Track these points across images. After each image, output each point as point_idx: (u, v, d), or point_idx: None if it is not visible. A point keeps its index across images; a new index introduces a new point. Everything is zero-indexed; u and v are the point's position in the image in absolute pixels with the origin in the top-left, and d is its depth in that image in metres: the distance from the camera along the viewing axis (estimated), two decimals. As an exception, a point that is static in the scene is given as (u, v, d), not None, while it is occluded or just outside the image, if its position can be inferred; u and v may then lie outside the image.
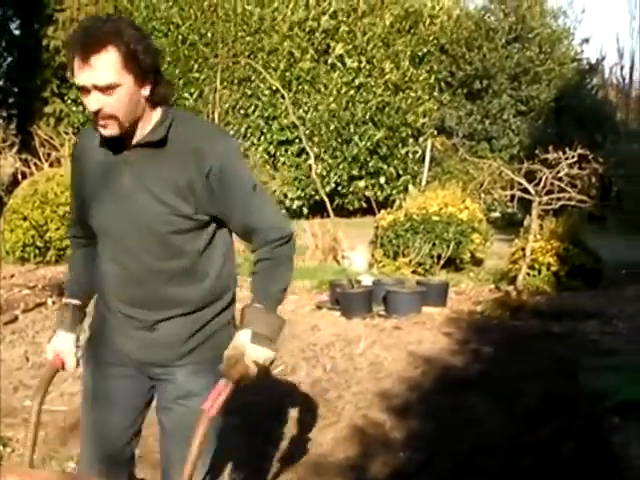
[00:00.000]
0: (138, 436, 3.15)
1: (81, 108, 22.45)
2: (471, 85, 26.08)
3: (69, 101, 24.08)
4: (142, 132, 2.73)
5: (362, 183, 24.64)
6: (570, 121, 25.20)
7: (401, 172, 24.94)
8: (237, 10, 24.59)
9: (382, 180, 24.86)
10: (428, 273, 13.14)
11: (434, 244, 13.37)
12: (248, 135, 23.25)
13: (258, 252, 2.88)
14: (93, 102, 2.58)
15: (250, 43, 24.31)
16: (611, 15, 59.57)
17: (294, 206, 23.11)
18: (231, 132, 17.63)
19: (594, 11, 56.96)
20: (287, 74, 24.13)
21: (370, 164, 24.62)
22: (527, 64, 25.99)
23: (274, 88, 21.53)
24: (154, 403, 3.08)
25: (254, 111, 23.95)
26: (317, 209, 19.98)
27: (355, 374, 7.51)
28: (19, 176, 15.67)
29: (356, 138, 24.31)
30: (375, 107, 24.53)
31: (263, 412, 6.11)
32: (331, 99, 24.19)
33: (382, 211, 15.13)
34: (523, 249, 12.07)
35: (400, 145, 24.92)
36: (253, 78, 23.88)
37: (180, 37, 24.55)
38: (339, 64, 24.80)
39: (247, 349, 2.68)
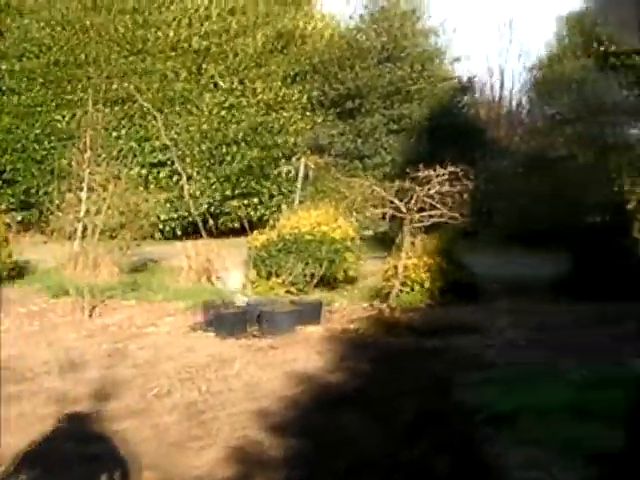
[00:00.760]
0: None
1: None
2: (344, 104, 26.26)
3: None
4: None
5: (235, 203, 24.54)
6: (442, 139, 25.62)
7: (275, 192, 24.94)
8: (110, 32, 24.31)
9: (256, 200, 24.82)
10: (302, 292, 13.11)
11: (307, 263, 13.35)
12: (121, 157, 22.88)
13: None
14: None
15: (123, 65, 24.07)
16: (481, 34, 61.21)
17: (168, 228, 22.84)
18: (103, 154, 17.34)
19: (465, 30, 58.47)
20: (160, 95, 23.93)
21: (243, 184, 24.55)
22: (399, 83, 26.31)
23: (146, 110, 21.32)
24: None
25: (127, 133, 23.65)
26: (191, 230, 19.79)
27: (231, 395, 7.44)
28: None
29: (229, 158, 24.22)
30: (248, 127, 24.50)
31: (138, 436, 5.99)
32: (204, 120, 24.07)
33: (255, 231, 15.09)
34: (396, 266, 12.18)
35: (273, 165, 24.92)
36: (126, 100, 23.60)
37: (52, 59, 24.13)
38: (212, 85, 24.70)
39: None
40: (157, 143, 23.16)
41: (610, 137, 17.49)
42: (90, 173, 16.53)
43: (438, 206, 12.27)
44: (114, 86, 23.23)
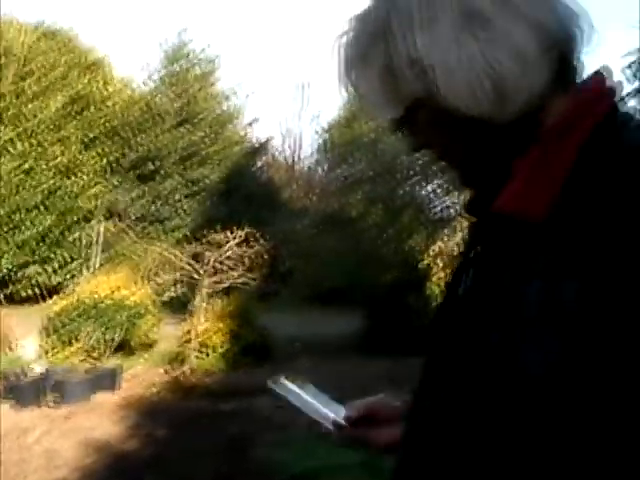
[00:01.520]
0: None
1: None
2: (142, 167, 26.21)
3: None
4: None
5: (33, 270, 23.95)
6: (239, 201, 25.96)
7: (73, 257, 24.51)
8: None
9: (55, 265, 24.31)
10: (101, 358, 12.98)
11: (106, 328, 13.25)
12: None
13: None
14: None
15: None
16: (278, 97, 62.67)
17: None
18: None
19: (261, 93, 59.73)
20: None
21: (41, 250, 24.02)
22: (196, 146, 26.50)
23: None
24: None
25: None
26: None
27: (29, 465, 7.33)
28: None
29: (27, 224, 23.67)
30: (45, 191, 24.05)
31: None
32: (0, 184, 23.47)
33: (54, 297, 14.85)
34: (191, 330, 12.29)
35: (71, 229, 24.53)
36: None
37: None
38: (8, 148, 24.15)
39: None
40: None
41: (402, 196, 18.16)
42: None
43: (233, 269, 12.49)
44: None
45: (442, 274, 14.86)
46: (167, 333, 14.83)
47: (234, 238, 12.85)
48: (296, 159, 35.22)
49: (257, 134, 36.85)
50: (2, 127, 24.25)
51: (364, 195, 18.53)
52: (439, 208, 18.84)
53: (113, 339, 13.18)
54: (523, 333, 1.11)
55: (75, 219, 24.56)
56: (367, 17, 1.25)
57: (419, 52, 1.18)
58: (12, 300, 21.92)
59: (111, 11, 56.32)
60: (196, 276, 12.62)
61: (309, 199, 25.57)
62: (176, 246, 15.91)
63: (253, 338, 12.89)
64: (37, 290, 22.00)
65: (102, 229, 22.19)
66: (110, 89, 26.92)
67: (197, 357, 12.15)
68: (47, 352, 13.20)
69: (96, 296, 13.72)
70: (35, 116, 24.74)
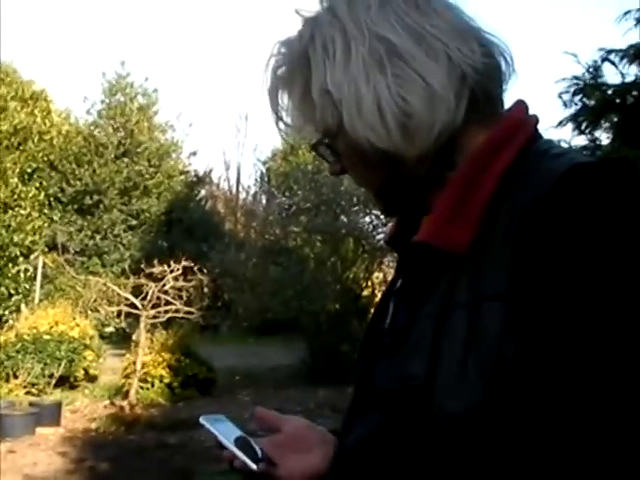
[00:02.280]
0: None
1: None
2: (82, 201, 26.02)
3: None
4: None
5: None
6: (180, 233, 25.91)
7: (12, 291, 24.24)
8: None
9: (-6, 300, 24.03)
10: (42, 393, 12.90)
11: (46, 363, 13.18)
12: None
13: None
14: None
15: None
16: (218, 128, 62.69)
17: None
18: None
19: (201, 124, 59.77)
20: None
21: (-18, 285, 23.74)
22: (137, 178, 26.32)
23: None
24: None
25: None
26: None
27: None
28: None
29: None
30: (-17, 225, 23.81)
31: None
32: None
33: (-6, 332, 14.71)
34: (135, 363, 12.28)
35: (10, 264, 24.25)
36: None
37: None
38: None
39: None
40: None
41: (344, 226, 18.21)
42: None
43: (173, 301, 12.52)
44: None
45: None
46: (110, 365, 14.79)
47: (172, 271, 12.86)
48: (239, 189, 35.27)
49: (198, 166, 36.80)
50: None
51: (305, 225, 18.56)
52: (380, 237, 18.98)
53: (52, 374, 13.11)
54: (443, 370, 1.10)
55: (16, 253, 24.28)
56: (293, 42, 1.27)
57: (329, 85, 1.20)
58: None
59: (50, 45, 56.11)
60: (135, 309, 12.63)
61: (251, 229, 25.55)
62: (116, 280, 15.88)
63: (195, 370, 12.92)
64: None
65: (41, 263, 21.99)
66: (49, 122, 26.74)
67: (139, 390, 12.14)
68: (-10, 386, 13.09)
69: (35, 331, 13.65)
70: (-26, 149, 24.47)
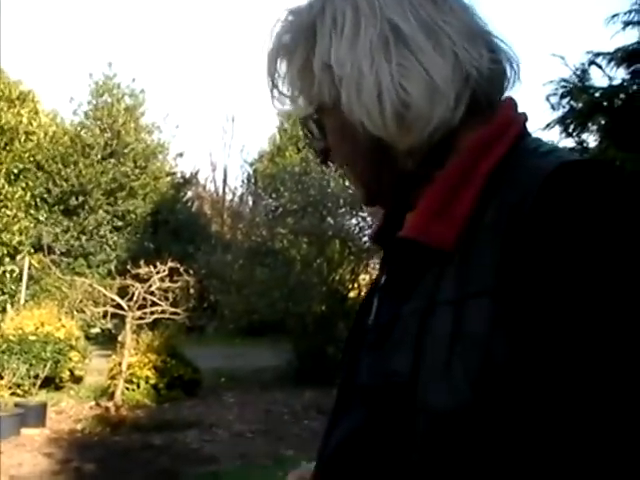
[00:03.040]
0: None
1: None
2: (67, 201, 25.96)
3: None
4: None
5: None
6: (166, 234, 25.87)
7: (-2, 292, 24.23)
8: None
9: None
10: (27, 394, 12.87)
11: (31, 364, 13.14)
12: None
13: None
14: None
15: None
16: (204, 130, 62.71)
17: None
18: None
19: (188, 126, 59.78)
20: None
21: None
22: (123, 179, 26.27)
23: None
24: None
25: None
26: None
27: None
28: None
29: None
30: (-31, 226, 23.74)
31: None
32: None
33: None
34: (120, 364, 12.27)
35: (-4, 264, 24.24)
36: None
37: None
38: None
39: None
40: None
41: (331, 227, 18.21)
42: None
43: (159, 302, 12.51)
44: None
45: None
46: (96, 366, 14.76)
47: (158, 273, 12.84)
48: (225, 191, 35.26)
49: (185, 167, 36.74)
50: None
51: (291, 227, 18.56)
52: (367, 239, 18.99)
53: (38, 375, 13.08)
54: (427, 366, 1.09)
55: (1, 253, 24.22)
56: (302, 11, 1.25)
57: (332, 60, 1.19)
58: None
59: (37, 45, 56.00)
60: (121, 310, 12.62)
61: (238, 231, 25.52)
62: (102, 281, 15.84)
63: (180, 371, 12.91)
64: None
65: (27, 264, 21.94)
66: (36, 122, 26.68)
67: (125, 391, 12.13)
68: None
69: (21, 332, 13.61)
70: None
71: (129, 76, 37.85)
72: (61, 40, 56.73)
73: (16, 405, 11.26)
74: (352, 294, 17.17)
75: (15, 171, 25.63)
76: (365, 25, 1.17)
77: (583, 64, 8.76)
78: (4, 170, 25.11)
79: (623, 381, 0.98)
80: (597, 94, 8.59)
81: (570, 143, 8.84)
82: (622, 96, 8.51)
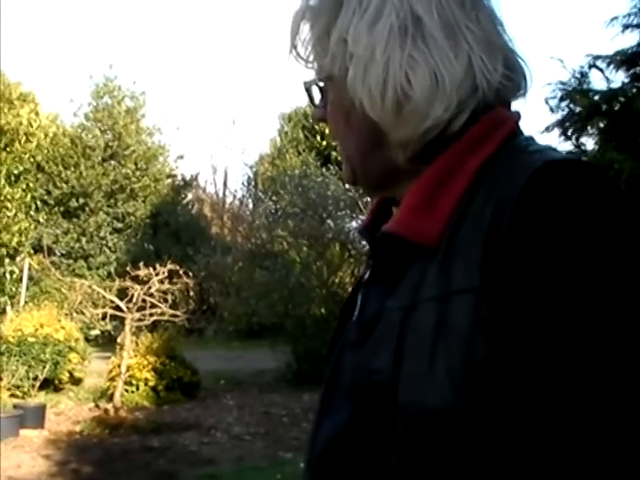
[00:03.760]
0: None
1: None
2: (68, 203, 26.00)
3: None
4: None
5: (-44, 306, 23.56)
6: (166, 236, 25.89)
7: (-2, 293, 24.23)
8: None
9: (-20, 302, 23.95)
10: (27, 395, 12.87)
11: (31, 366, 13.15)
12: None
13: None
14: None
15: None
16: (205, 132, 62.74)
17: None
18: None
19: (189, 128, 59.82)
20: None
21: (-35, 286, 23.67)
22: (123, 181, 26.30)
23: None
24: None
25: None
26: None
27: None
28: None
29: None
30: (-31, 226, 23.74)
31: None
32: None
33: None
34: (120, 366, 12.27)
35: (-4, 265, 24.24)
36: None
37: None
38: None
39: None
40: None
41: (330, 230, 18.21)
42: None
43: (159, 304, 12.52)
44: None
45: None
46: (95, 368, 14.77)
47: (157, 274, 12.85)
48: (225, 193, 35.24)
49: (185, 169, 36.71)
50: None
51: (291, 229, 18.56)
52: (366, 244, 18.95)
53: (37, 376, 13.08)
54: (409, 364, 1.07)
55: (1, 254, 24.21)
56: None
57: (350, 35, 1.19)
58: None
59: (37, 47, 56.06)
60: (120, 312, 12.62)
61: (238, 233, 25.51)
62: (102, 283, 15.84)
63: (180, 374, 12.92)
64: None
65: (27, 265, 21.95)
66: (36, 124, 26.68)
67: (124, 392, 12.13)
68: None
69: (20, 333, 13.61)
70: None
71: (130, 78, 37.94)
72: (62, 42, 56.84)
73: (15, 406, 11.27)
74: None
75: (15, 172, 25.63)
76: (389, 9, 1.18)
77: (582, 67, 8.75)
78: (4, 171, 25.11)
79: (605, 382, 0.98)
80: (596, 97, 8.59)
81: (569, 146, 8.85)
82: (621, 99, 8.50)
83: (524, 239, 1.03)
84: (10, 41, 50.96)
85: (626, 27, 8.63)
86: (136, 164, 26.95)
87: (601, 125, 8.58)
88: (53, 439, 10.17)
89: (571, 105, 8.71)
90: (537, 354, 1.00)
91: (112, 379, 12.56)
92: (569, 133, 8.75)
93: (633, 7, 8.64)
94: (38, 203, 26.01)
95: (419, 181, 1.19)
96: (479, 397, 1.02)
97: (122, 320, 13.09)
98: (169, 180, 28.69)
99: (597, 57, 8.68)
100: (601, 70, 8.69)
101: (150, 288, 12.57)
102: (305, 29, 1.29)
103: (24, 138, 26.08)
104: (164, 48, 58.54)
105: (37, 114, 27.40)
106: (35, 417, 10.84)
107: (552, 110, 8.79)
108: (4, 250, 24.14)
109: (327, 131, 27.27)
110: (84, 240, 25.65)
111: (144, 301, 12.53)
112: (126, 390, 12.22)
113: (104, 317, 13.70)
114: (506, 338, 1.01)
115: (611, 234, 1.04)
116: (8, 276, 24.17)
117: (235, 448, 9.60)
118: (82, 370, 14.46)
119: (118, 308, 12.62)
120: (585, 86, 8.71)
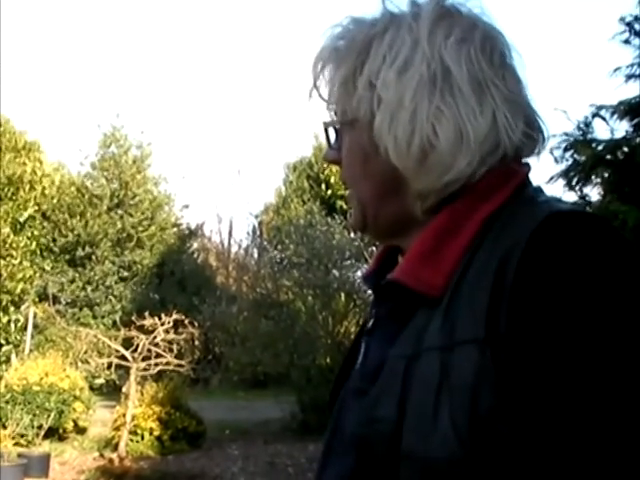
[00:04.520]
0: None
1: None
2: (73, 252, 26.03)
3: None
4: None
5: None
6: (171, 285, 25.86)
7: (3, 342, 24.13)
8: None
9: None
10: (31, 444, 12.81)
11: (35, 414, 13.10)
12: None
13: None
14: None
15: None
16: (210, 182, 62.96)
17: None
18: None
19: (194, 177, 60.05)
20: None
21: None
22: (130, 230, 26.33)
23: None
24: None
25: None
26: None
27: None
28: None
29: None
30: (-26, 275, 23.76)
31: None
32: None
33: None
34: (125, 415, 12.23)
35: (1, 313, 24.17)
36: None
37: None
38: None
39: None
40: None
41: (336, 280, 18.19)
42: None
43: (164, 354, 12.51)
44: None
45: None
46: (100, 417, 14.71)
47: (162, 324, 12.85)
48: (231, 243, 35.26)
49: (190, 218, 36.74)
50: None
51: (296, 279, 18.55)
52: (371, 292, 18.87)
53: (42, 425, 13.03)
54: (413, 413, 1.07)
55: (5, 302, 24.18)
56: (363, 24, 1.27)
57: (379, 81, 1.20)
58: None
59: (43, 95, 56.48)
60: (125, 361, 12.61)
61: (243, 283, 25.47)
62: (107, 332, 15.83)
63: (185, 423, 12.86)
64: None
65: (32, 313, 21.94)
66: (41, 172, 26.80)
67: (129, 442, 12.08)
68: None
69: (25, 382, 13.58)
70: (-35, 200, 24.50)
71: (137, 127, 38.13)
72: (68, 91, 57.25)
73: (19, 455, 11.21)
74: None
75: (20, 220, 25.70)
76: (420, 59, 1.20)
77: (586, 117, 8.80)
78: (10, 219, 25.18)
79: (609, 437, 0.98)
80: (600, 147, 8.62)
81: (573, 197, 8.86)
82: (625, 149, 8.54)
83: (529, 292, 1.03)
84: (16, 90, 51.39)
85: (629, 77, 8.70)
86: (142, 213, 27.00)
87: (605, 175, 8.61)
88: (58, 488, 10.12)
89: (575, 155, 8.74)
90: (542, 406, 1.01)
91: (117, 428, 12.51)
92: (573, 183, 8.77)
93: (636, 57, 8.71)
94: (43, 251, 26.04)
95: (427, 229, 1.20)
96: (484, 448, 1.01)
97: (127, 369, 13.07)
98: (175, 229, 28.72)
99: (601, 107, 8.72)
100: (605, 119, 8.74)
101: (155, 338, 12.57)
102: (328, 70, 1.30)
103: (28, 186, 26.19)
104: (171, 98, 59.02)
105: (41, 162, 27.55)
106: (39, 466, 10.79)
107: (557, 161, 8.81)
108: (9, 298, 24.13)
109: (332, 180, 27.57)
110: (89, 288, 25.60)
111: (149, 351, 12.52)
112: (131, 439, 12.17)
113: (109, 366, 13.68)
114: (511, 389, 1.02)
115: (616, 287, 1.04)
116: (13, 324, 24.14)
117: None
118: (87, 419, 14.40)
119: (123, 357, 12.61)
120: (589, 136, 8.75)
